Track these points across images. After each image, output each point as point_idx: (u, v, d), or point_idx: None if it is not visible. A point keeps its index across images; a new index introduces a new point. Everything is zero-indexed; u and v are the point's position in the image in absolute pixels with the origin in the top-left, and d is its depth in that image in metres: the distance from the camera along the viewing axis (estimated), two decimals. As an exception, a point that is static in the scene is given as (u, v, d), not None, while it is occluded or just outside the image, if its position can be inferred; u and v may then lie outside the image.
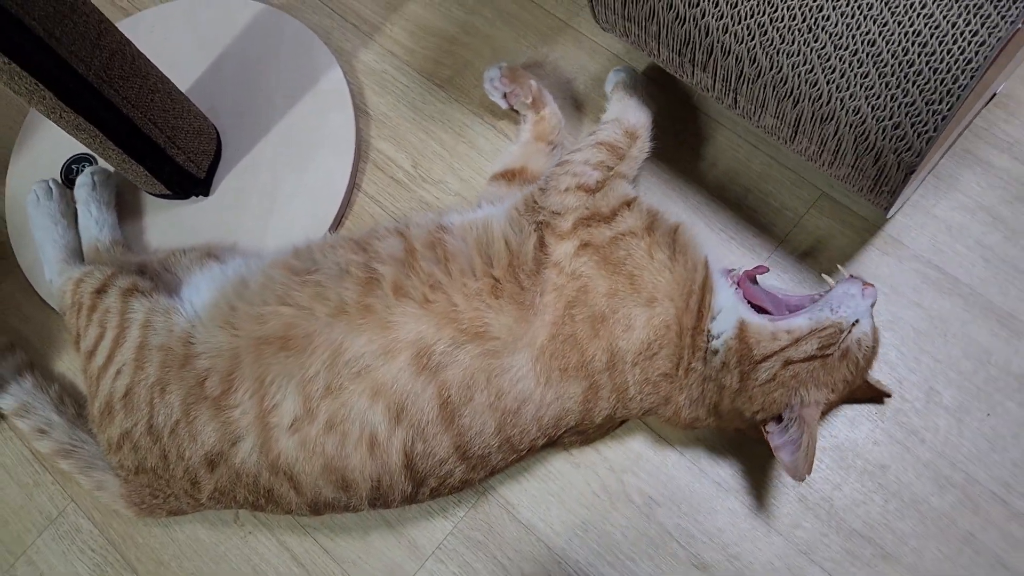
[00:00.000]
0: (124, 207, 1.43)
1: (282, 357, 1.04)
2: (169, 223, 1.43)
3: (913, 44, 0.88)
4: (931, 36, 0.87)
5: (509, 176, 1.27)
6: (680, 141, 1.35)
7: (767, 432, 1.03)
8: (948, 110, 0.89)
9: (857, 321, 1.04)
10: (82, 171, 1.41)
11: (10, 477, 1.34)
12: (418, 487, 1.06)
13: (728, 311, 1.06)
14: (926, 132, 0.91)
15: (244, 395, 1.04)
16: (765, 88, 1.03)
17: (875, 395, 1.16)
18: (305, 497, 1.06)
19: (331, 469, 1.03)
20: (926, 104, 0.90)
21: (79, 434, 1.25)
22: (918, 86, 0.89)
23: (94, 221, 1.36)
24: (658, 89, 1.38)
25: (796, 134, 1.06)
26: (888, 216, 1.24)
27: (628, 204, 1.11)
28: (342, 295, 1.05)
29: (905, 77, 0.90)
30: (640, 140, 1.20)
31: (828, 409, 1.08)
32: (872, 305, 1.06)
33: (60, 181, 1.44)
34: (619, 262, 1.05)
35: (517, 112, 1.38)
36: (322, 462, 1.03)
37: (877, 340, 1.08)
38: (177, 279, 1.25)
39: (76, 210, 1.38)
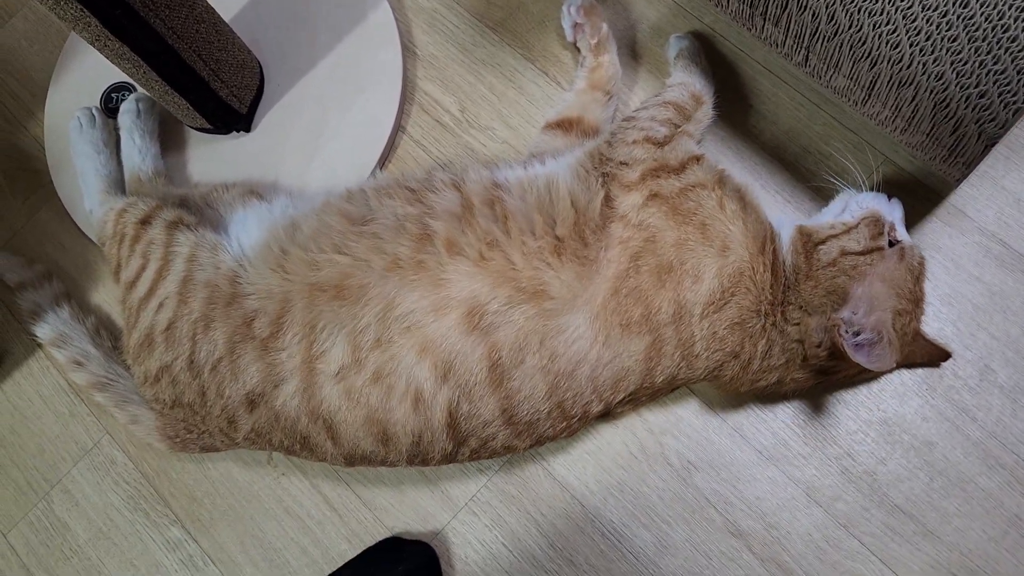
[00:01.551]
0: (164, 139, 1.40)
1: (335, 305, 1.02)
2: (209, 158, 1.40)
3: (1011, 8, 0.82)
4: (1031, 0, 0.81)
5: (566, 126, 1.24)
6: (740, 97, 1.30)
7: (841, 337, 1.00)
8: (1041, 80, 0.84)
9: (894, 226, 1.08)
10: (123, 100, 1.38)
11: (47, 406, 1.34)
12: (459, 446, 1.05)
13: (786, 230, 1.10)
14: (1015, 102, 0.87)
15: (293, 339, 1.03)
16: (841, 47, 0.98)
17: (933, 353, 1.12)
18: (342, 448, 1.05)
19: (373, 421, 1.02)
20: (1018, 72, 0.85)
21: (115, 368, 1.25)
22: (1011, 53, 0.84)
23: (137, 150, 1.33)
24: (718, 46, 1.33)
25: (870, 97, 1.01)
26: (955, 186, 1.20)
27: (697, 159, 1.09)
28: (397, 251, 1.03)
29: (998, 43, 0.84)
30: (705, 105, 1.21)
31: (902, 337, 1.04)
32: (901, 218, 1.12)
33: (100, 109, 1.41)
34: (689, 212, 1.04)
35: (578, 50, 1.33)
36: (365, 413, 1.02)
37: (923, 257, 1.10)
38: (219, 215, 1.23)
39: (119, 139, 1.36)
